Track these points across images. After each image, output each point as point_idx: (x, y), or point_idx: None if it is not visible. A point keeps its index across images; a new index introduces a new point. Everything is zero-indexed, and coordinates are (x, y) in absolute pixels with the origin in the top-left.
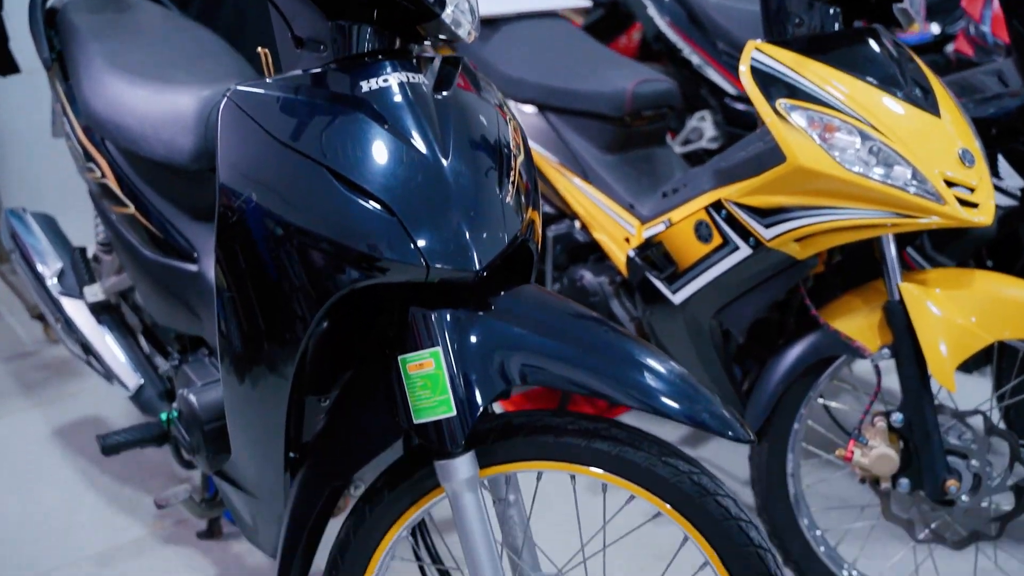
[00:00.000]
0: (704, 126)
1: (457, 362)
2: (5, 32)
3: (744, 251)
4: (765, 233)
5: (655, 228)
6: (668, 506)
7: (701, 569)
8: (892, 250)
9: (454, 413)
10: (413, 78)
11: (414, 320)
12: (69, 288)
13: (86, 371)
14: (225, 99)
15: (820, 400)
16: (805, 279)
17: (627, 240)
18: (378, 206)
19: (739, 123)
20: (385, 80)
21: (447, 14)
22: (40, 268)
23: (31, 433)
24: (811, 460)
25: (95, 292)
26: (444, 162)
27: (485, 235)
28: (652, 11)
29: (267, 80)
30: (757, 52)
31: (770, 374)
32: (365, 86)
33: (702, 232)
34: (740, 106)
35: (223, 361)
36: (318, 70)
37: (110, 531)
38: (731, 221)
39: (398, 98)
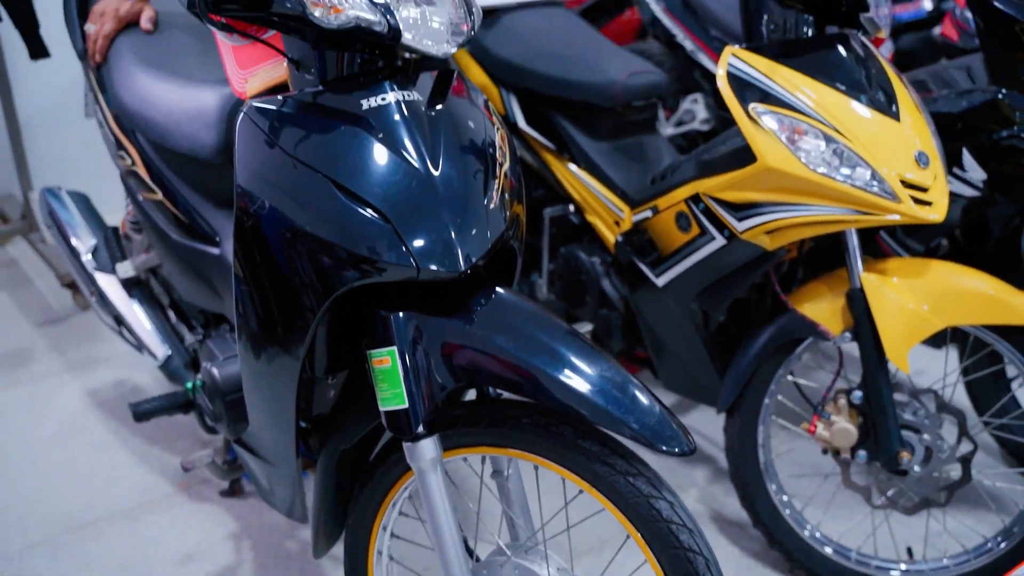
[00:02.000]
0: (697, 108)
1: (412, 361)
2: (36, 19)
3: (719, 241)
4: (738, 226)
5: (643, 214)
6: (609, 503)
7: (642, 566)
8: (854, 242)
9: (406, 406)
10: (409, 96)
11: (378, 320)
12: (102, 264)
13: (115, 337)
14: (242, 114)
15: (790, 377)
16: (778, 264)
17: (617, 223)
18: (376, 214)
19: None
20: (384, 99)
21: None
22: (76, 244)
23: (66, 395)
24: (781, 432)
25: (126, 268)
26: (435, 173)
27: (471, 237)
28: None
29: (279, 97)
30: (733, 58)
31: (743, 353)
32: (366, 104)
33: (682, 222)
34: None
35: (240, 340)
36: (323, 89)
37: (141, 489)
38: (708, 213)
39: (395, 116)
